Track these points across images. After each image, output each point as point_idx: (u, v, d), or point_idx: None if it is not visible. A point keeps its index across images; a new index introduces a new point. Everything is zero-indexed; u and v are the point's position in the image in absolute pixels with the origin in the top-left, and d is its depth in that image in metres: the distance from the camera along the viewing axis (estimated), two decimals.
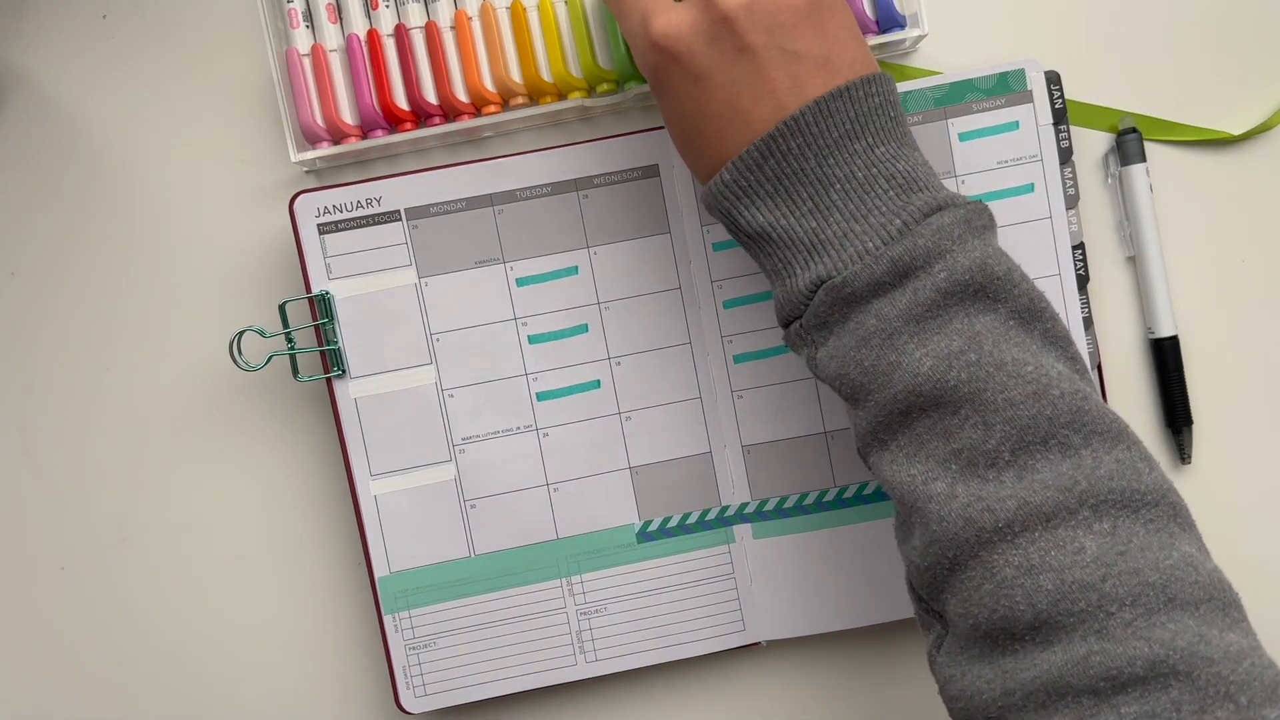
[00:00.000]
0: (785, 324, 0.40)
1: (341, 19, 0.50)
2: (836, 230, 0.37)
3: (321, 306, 0.49)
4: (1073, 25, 0.51)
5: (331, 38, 0.50)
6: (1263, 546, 0.52)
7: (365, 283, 0.49)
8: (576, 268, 0.49)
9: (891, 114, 0.39)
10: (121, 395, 0.52)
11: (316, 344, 0.49)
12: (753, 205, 0.39)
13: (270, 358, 0.49)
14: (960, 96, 0.49)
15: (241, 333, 0.48)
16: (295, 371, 0.49)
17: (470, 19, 0.50)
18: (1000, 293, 0.36)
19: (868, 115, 0.38)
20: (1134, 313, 0.52)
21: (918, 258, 0.36)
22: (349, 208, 0.48)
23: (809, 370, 0.40)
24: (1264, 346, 0.52)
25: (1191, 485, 0.52)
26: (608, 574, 0.50)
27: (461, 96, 0.50)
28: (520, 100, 0.50)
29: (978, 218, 0.38)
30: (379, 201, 0.48)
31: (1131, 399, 0.52)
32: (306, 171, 0.51)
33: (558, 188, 0.49)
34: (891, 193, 0.37)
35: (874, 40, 0.49)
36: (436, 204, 0.49)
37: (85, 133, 0.52)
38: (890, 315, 0.36)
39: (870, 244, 0.37)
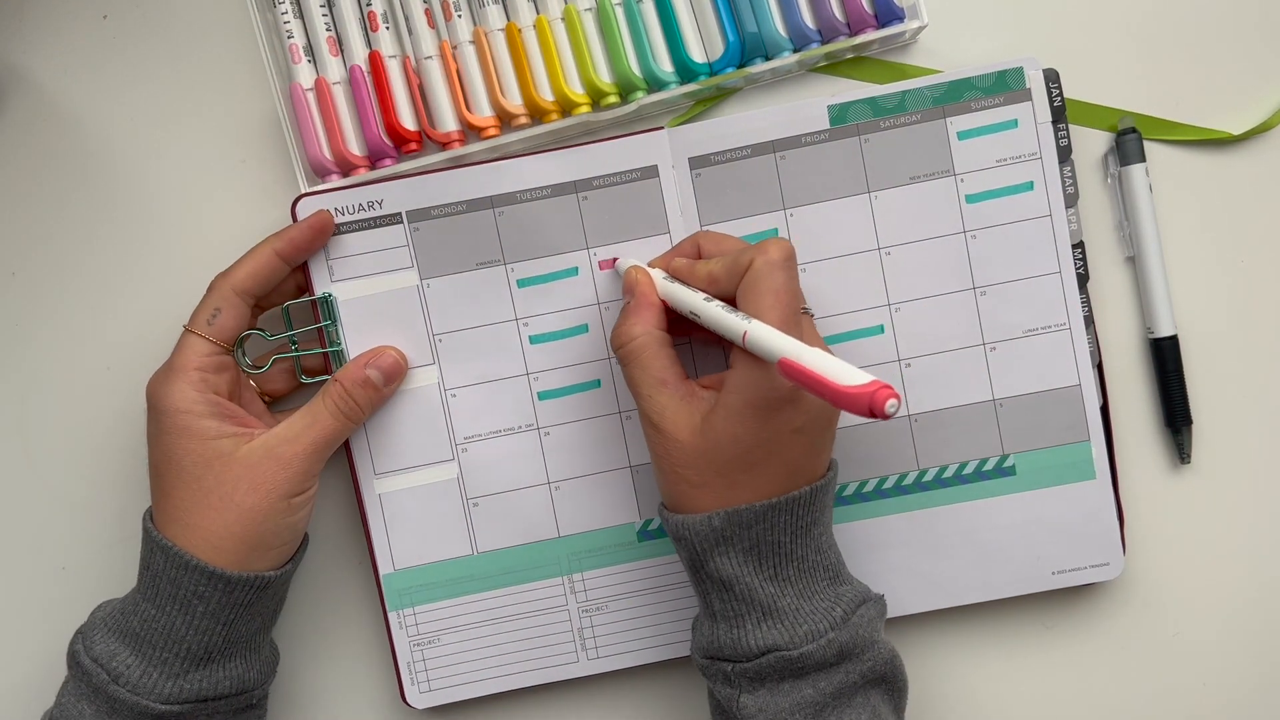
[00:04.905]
0: (710, 656, 0.47)
1: (343, 50, 0.54)
2: (789, 604, 0.46)
3: (324, 308, 0.53)
4: (1072, 24, 0.55)
5: (334, 70, 0.54)
6: (1261, 546, 0.56)
7: (368, 285, 0.53)
8: (576, 269, 0.53)
9: (830, 505, 0.49)
10: (121, 395, 0.55)
11: (320, 346, 0.53)
12: (726, 555, 0.46)
13: (273, 360, 0.53)
14: (959, 95, 0.53)
15: (246, 334, 0.52)
16: (299, 373, 0.54)
17: (454, 47, 0.54)
18: (899, 685, 0.48)
19: (825, 505, 0.48)
20: (1134, 312, 0.55)
21: (854, 646, 0.46)
22: (351, 210, 0.53)
23: (723, 703, 0.47)
24: (1264, 346, 0.55)
25: (1191, 485, 0.56)
26: (609, 572, 0.54)
27: (452, 125, 0.54)
28: (523, 120, 0.54)
29: (883, 609, 0.49)
30: (381, 204, 0.53)
31: (1131, 399, 0.55)
32: None
33: (557, 189, 0.53)
34: (826, 580, 0.47)
35: (873, 35, 0.53)
36: (438, 206, 0.53)
37: (85, 133, 0.56)
38: (825, 690, 0.46)
39: (819, 626, 0.46)
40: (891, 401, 0.39)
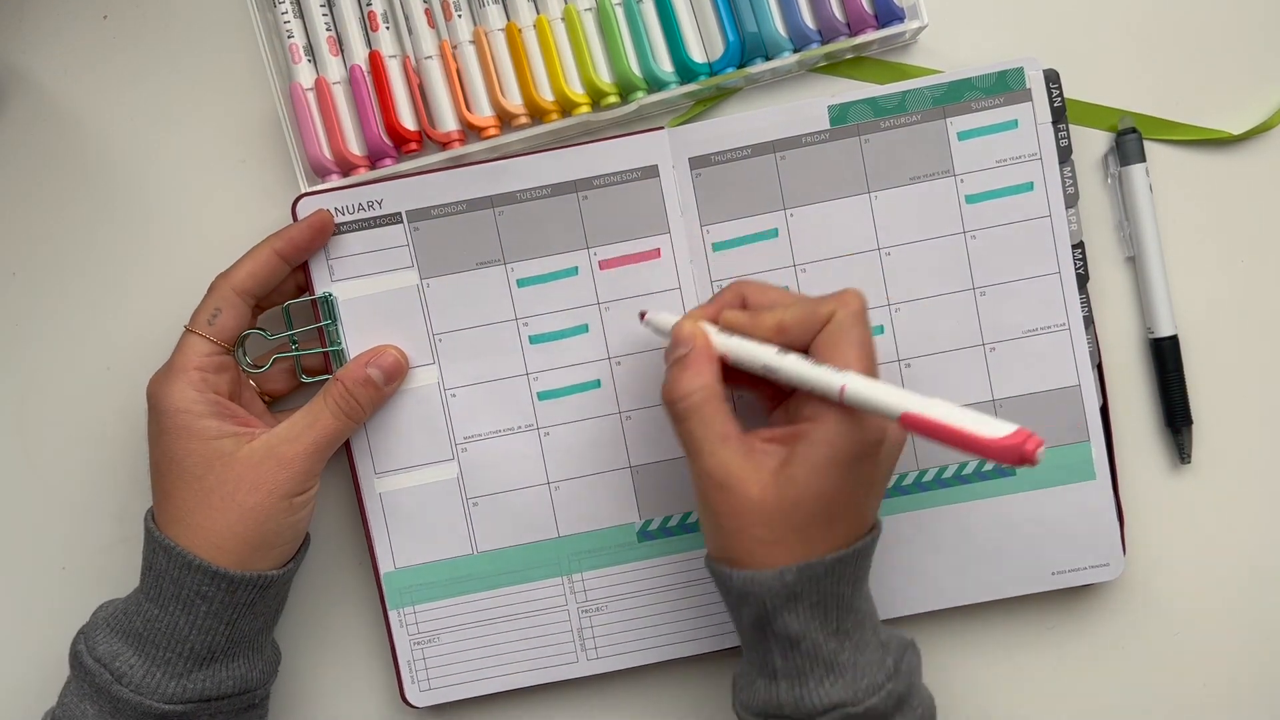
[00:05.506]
0: (767, 715, 0.46)
1: (343, 50, 0.55)
2: (848, 658, 0.45)
3: (325, 308, 0.53)
4: (1072, 24, 0.56)
5: (334, 70, 0.55)
6: (1262, 546, 0.56)
7: (368, 284, 0.54)
8: (576, 268, 0.54)
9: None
10: (121, 395, 0.56)
11: (320, 345, 0.54)
12: (795, 610, 0.45)
13: (274, 359, 0.54)
14: (959, 95, 0.53)
15: (246, 334, 0.52)
16: (300, 372, 0.54)
17: (454, 47, 0.54)
18: None
19: (872, 554, 0.48)
20: (1134, 312, 0.56)
21: (906, 695, 0.46)
22: (351, 210, 0.53)
23: None
24: (1264, 346, 0.56)
25: (1191, 485, 0.56)
26: (608, 572, 0.55)
27: (452, 125, 0.55)
28: (523, 120, 0.54)
29: (920, 656, 0.49)
30: (381, 204, 0.53)
31: (1131, 399, 0.56)
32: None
33: (557, 189, 0.54)
34: (871, 628, 0.47)
35: (873, 35, 0.53)
36: (437, 206, 0.53)
37: (85, 133, 0.57)
38: None
39: (877, 679, 0.45)
40: (1041, 450, 0.38)
